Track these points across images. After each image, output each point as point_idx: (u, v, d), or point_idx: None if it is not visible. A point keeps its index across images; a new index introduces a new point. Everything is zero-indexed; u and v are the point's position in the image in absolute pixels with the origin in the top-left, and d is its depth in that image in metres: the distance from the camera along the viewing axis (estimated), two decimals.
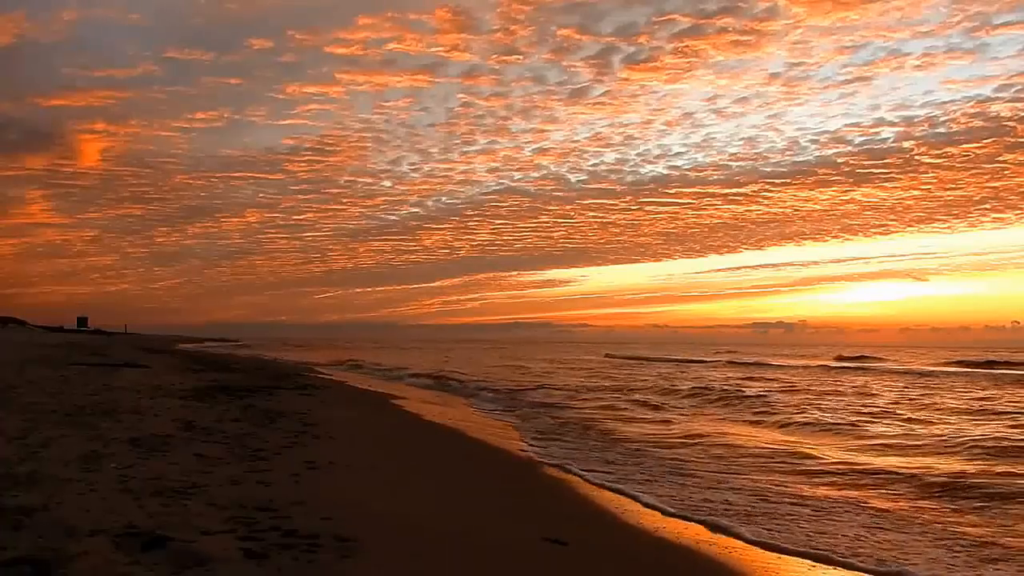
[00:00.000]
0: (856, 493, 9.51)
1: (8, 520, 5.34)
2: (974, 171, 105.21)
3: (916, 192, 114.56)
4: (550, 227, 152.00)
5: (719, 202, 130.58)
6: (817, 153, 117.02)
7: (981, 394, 25.92)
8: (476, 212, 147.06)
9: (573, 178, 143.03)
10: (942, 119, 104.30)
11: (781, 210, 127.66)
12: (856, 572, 6.39)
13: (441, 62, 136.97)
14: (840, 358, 62.96)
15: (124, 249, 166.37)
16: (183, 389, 17.94)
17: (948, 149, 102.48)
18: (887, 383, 32.15)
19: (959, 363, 52.61)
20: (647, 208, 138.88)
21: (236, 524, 5.73)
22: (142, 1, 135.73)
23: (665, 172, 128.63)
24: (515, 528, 7.05)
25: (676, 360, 58.93)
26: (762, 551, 6.83)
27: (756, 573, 6.24)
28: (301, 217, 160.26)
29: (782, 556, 6.72)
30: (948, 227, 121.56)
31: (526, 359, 59.80)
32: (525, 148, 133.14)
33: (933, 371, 43.18)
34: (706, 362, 54.76)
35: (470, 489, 8.94)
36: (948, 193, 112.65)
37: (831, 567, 6.47)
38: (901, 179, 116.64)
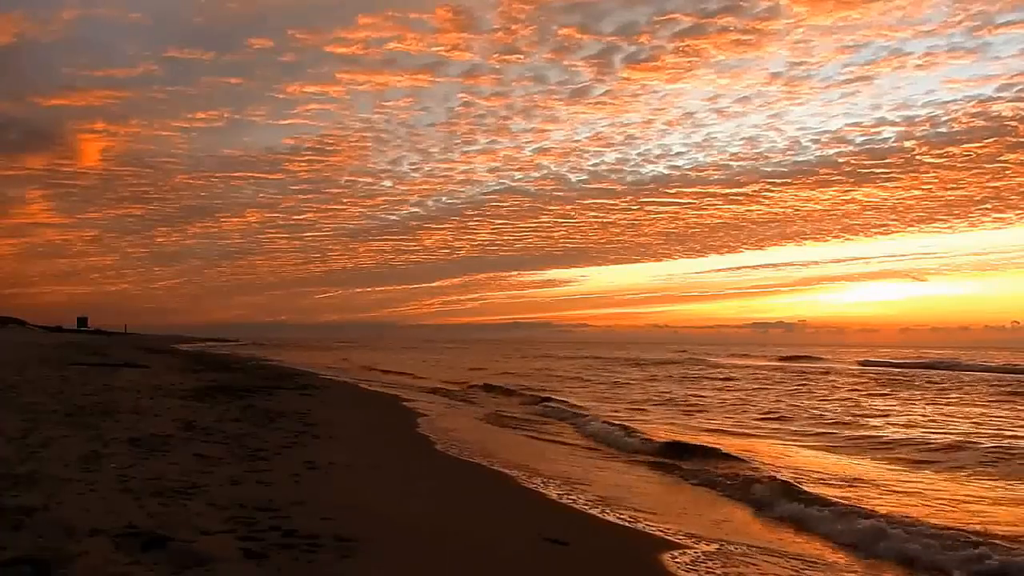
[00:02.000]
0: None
1: (8, 520, 5.34)
2: (975, 171, 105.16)
3: (917, 192, 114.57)
4: (550, 227, 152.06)
5: (720, 202, 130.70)
6: (818, 153, 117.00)
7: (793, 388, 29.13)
8: (476, 212, 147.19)
9: (574, 178, 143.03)
10: (943, 119, 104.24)
11: (782, 210, 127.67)
12: None
13: (442, 61, 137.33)
14: (781, 358, 67.32)
15: (124, 249, 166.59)
16: (183, 389, 17.95)
17: (949, 149, 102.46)
18: (769, 380, 34.12)
19: (863, 362, 57.19)
20: (648, 208, 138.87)
21: (236, 524, 5.73)
22: (142, 1, 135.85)
23: (666, 172, 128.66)
24: (516, 528, 7.05)
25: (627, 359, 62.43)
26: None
27: None
28: (301, 217, 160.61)
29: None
30: (949, 227, 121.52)
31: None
32: (526, 148, 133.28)
33: (833, 368, 47.59)
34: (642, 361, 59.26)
35: (471, 488, 8.94)
36: (949, 193, 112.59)
37: None
38: (902, 179, 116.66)
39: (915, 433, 15.43)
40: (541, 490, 8.90)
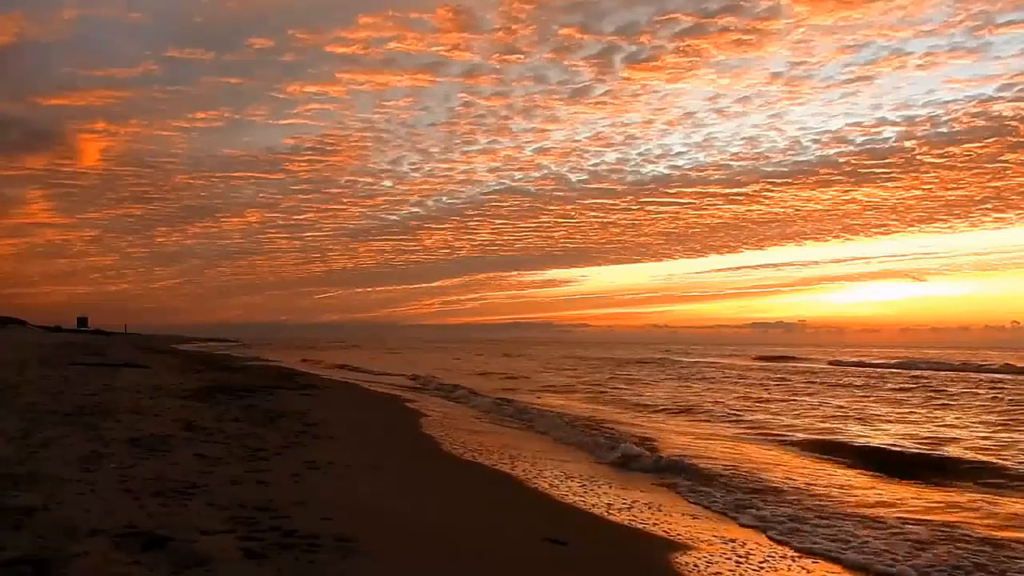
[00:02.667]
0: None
1: (8, 520, 5.33)
2: (976, 171, 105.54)
3: (917, 192, 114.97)
4: (551, 227, 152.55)
5: (720, 202, 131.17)
6: (818, 153, 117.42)
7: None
8: (477, 212, 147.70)
9: (574, 178, 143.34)
10: (944, 119, 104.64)
11: (782, 210, 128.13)
12: None
13: (442, 61, 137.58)
14: (756, 357, 69.18)
15: (124, 249, 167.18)
16: (183, 389, 17.93)
17: (950, 149, 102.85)
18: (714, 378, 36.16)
19: (833, 362, 58.74)
20: (648, 208, 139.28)
21: (236, 524, 5.72)
22: (142, 1, 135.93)
23: (666, 172, 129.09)
24: (515, 527, 7.05)
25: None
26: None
27: None
28: (301, 217, 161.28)
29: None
30: (949, 227, 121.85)
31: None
32: (526, 148, 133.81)
33: (793, 368, 49.32)
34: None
35: (471, 487, 8.94)
36: (949, 193, 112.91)
37: None
38: (903, 179, 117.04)
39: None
40: (542, 489, 8.90)
